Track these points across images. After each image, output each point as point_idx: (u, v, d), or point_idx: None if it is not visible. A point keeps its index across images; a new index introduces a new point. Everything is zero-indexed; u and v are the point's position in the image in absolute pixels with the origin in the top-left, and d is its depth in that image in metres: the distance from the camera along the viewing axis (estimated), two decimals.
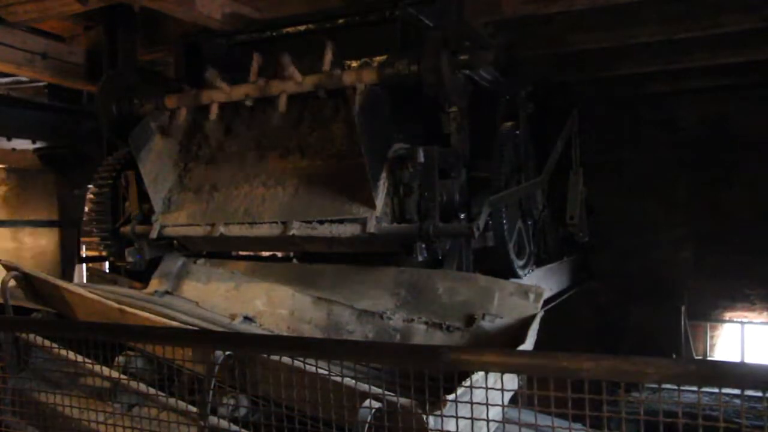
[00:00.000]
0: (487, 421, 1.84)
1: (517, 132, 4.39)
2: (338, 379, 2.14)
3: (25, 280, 3.42)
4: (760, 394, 1.55)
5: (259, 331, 3.62)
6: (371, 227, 3.37)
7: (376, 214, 3.39)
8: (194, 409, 2.43)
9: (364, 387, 2.12)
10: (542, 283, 4.43)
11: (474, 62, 3.44)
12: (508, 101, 4.58)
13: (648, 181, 7.46)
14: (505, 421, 2.06)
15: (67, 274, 6.61)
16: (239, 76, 3.87)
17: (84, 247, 7.17)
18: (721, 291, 7.29)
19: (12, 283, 3.32)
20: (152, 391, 2.62)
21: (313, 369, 2.14)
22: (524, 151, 4.56)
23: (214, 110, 3.85)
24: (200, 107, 3.99)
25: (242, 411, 2.52)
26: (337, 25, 4.03)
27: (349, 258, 3.80)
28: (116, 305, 3.10)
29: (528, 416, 1.97)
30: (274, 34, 4.23)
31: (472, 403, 1.89)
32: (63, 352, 2.74)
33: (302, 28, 4.13)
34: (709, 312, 7.34)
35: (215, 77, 3.80)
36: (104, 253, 4.45)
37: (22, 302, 3.40)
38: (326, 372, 2.08)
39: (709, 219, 7.30)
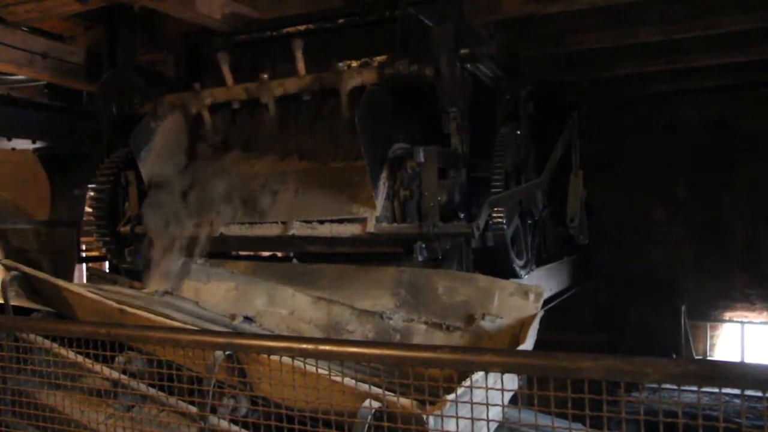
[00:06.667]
0: (487, 421, 1.84)
1: (518, 132, 4.39)
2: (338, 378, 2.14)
3: (25, 280, 3.42)
4: (760, 394, 1.55)
5: (259, 331, 3.62)
6: (371, 227, 3.37)
7: (376, 214, 3.39)
8: (194, 409, 2.43)
9: (364, 387, 2.12)
10: (542, 283, 4.43)
11: (476, 55, 3.44)
12: (509, 101, 4.58)
13: (648, 181, 7.46)
14: (505, 421, 2.06)
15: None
16: (239, 77, 3.87)
17: (84, 247, 7.15)
18: (721, 291, 7.29)
19: (12, 283, 3.33)
20: (152, 391, 2.62)
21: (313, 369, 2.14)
22: (524, 151, 4.56)
23: (206, 116, 3.86)
24: (200, 107, 3.99)
25: (242, 411, 2.52)
26: (337, 25, 4.03)
27: (349, 258, 3.80)
28: (116, 305, 3.10)
29: (528, 416, 1.97)
30: (274, 34, 4.23)
31: (472, 403, 1.89)
32: (63, 352, 2.74)
33: (302, 28, 4.13)
34: (709, 312, 7.34)
35: (224, 58, 3.79)
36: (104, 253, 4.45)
37: (22, 302, 3.40)
38: (326, 372, 2.08)
39: (709, 219, 7.30)
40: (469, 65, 3.64)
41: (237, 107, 3.94)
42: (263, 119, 3.99)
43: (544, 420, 1.79)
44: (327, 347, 2.05)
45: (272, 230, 3.65)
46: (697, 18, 4.65)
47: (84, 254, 6.53)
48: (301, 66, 3.61)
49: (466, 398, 1.93)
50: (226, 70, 3.81)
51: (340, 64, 3.63)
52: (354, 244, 3.60)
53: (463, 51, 3.38)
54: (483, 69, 4.17)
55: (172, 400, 2.51)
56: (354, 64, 3.76)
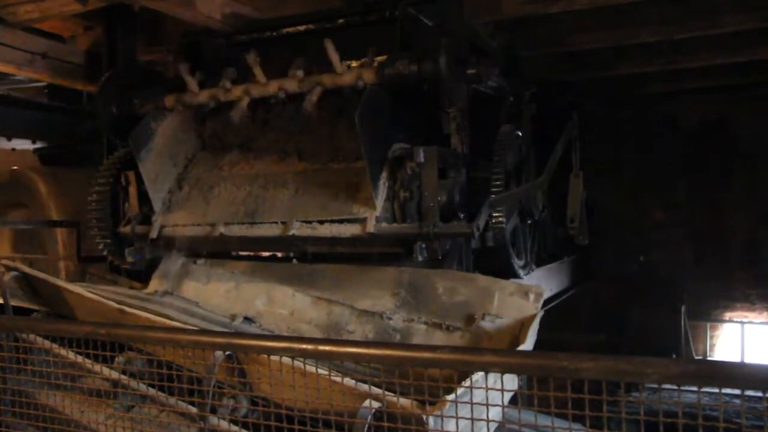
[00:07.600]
0: (487, 421, 1.84)
1: (519, 133, 4.39)
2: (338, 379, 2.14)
3: (25, 280, 3.42)
4: (760, 394, 1.55)
5: (259, 332, 3.62)
6: (371, 227, 3.37)
7: (376, 214, 3.39)
8: (194, 410, 2.43)
9: (364, 387, 2.12)
10: (542, 283, 4.42)
11: (482, 76, 3.47)
12: (511, 102, 4.58)
13: (648, 181, 7.46)
14: (505, 421, 2.06)
15: None
16: (240, 77, 3.87)
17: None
18: (721, 291, 7.28)
19: (12, 283, 3.33)
20: (152, 391, 2.62)
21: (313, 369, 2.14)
22: (525, 151, 4.56)
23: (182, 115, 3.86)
24: (201, 107, 4.00)
25: (242, 411, 2.53)
26: (337, 25, 4.03)
27: (349, 258, 3.80)
28: (116, 305, 3.10)
29: (528, 416, 1.97)
30: (274, 34, 4.23)
31: (472, 404, 1.89)
32: (63, 352, 2.74)
33: (302, 28, 4.13)
34: (709, 312, 7.33)
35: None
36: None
37: (22, 302, 3.40)
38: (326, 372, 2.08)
39: (709, 219, 7.30)
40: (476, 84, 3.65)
41: (235, 107, 3.93)
42: (265, 119, 3.99)
43: (544, 420, 1.79)
44: (327, 347, 2.05)
45: (272, 230, 3.64)
46: (697, 18, 4.64)
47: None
48: (338, 68, 3.57)
49: (466, 398, 1.93)
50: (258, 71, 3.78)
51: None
52: (354, 245, 3.60)
53: (469, 71, 3.39)
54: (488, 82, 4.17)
55: (172, 400, 2.51)
56: (354, 64, 3.75)
